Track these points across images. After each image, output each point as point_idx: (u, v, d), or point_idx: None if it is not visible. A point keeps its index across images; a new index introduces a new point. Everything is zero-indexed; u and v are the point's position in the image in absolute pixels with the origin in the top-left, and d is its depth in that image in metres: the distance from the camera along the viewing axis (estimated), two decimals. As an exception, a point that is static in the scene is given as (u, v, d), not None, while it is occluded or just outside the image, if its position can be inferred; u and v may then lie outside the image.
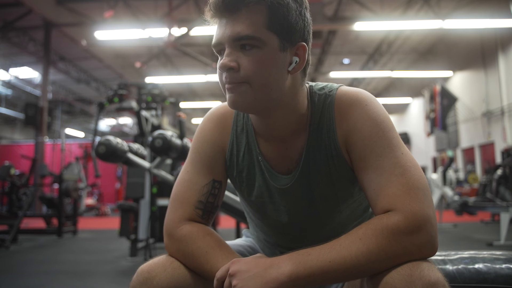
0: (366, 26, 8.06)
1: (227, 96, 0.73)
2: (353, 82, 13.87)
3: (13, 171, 5.85)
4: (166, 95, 4.46)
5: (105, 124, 17.78)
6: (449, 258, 0.93)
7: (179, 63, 11.94)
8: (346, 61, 12.66)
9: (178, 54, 10.49)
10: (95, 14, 8.38)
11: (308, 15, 0.75)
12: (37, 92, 12.01)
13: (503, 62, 9.68)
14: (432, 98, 11.37)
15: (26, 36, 9.88)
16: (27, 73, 12.35)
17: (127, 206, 3.85)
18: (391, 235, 0.63)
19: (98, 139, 2.92)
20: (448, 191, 6.10)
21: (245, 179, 0.86)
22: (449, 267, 0.89)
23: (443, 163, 9.77)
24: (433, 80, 11.58)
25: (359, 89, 0.80)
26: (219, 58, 0.73)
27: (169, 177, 3.05)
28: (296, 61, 0.74)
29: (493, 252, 0.94)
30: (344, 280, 0.69)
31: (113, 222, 6.99)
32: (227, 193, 2.13)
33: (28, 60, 11.25)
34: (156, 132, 2.82)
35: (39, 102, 9.25)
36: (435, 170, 12.78)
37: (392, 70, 12.38)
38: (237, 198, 1.92)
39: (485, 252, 0.94)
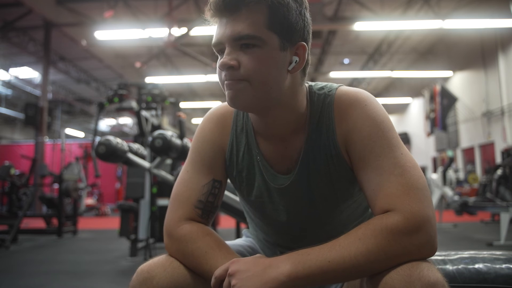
0: (366, 26, 8.06)
1: (226, 93, 0.73)
2: (353, 82, 13.87)
3: (13, 171, 5.85)
4: (166, 95, 4.46)
5: (105, 124, 17.79)
6: (449, 258, 0.93)
7: (179, 63, 11.94)
8: (346, 61, 12.66)
9: (178, 54, 10.49)
10: (95, 14, 8.38)
11: (308, 15, 0.76)
12: (37, 92, 12.01)
13: (503, 62, 9.68)
14: (432, 98, 11.37)
15: (26, 36, 9.88)
16: (27, 73, 12.35)
17: (127, 206, 3.85)
18: (391, 235, 0.63)
19: (98, 139, 2.92)
20: (448, 191, 6.10)
21: (244, 179, 0.86)
22: (449, 267, 0.89)
23: (443, 163, 9.77)
24: (433, 80, 11.58)
25: (359, 89, 0.80)
26: (219, 57, 0.73)
27: (169, 177, 3.05)
28: (296, 60, 0.74)
29: (493, 252, 0.94)
30: (344, 280, 0.69)
31: (113, 222, 6.99)
32: (227, 193, 2.13)
33: (28, 60, 11.25)
34: (156, 132, 2.82)
35: (39, 102, 9.25)
36: (435, 170, 12.77)
37: (392, 70, 12.38)
38: (237, 198, 1.93)
39: (485, 252, 0.94)
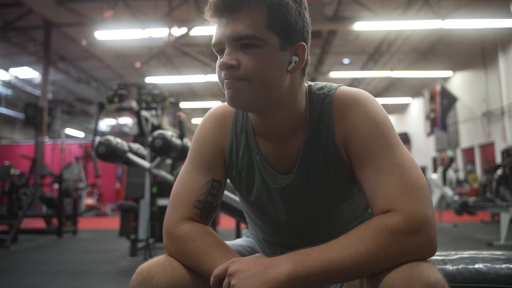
0: (366, 26, 8.06)
1: (226, 92, 0.73)
2: (353, 82, 13.87)
3: (13, 171, 5.85)
4: (166, 95, 4.46)
5: (105, 124, 17.79)
6: (449, 258, 0.93)
7: (179, 63, 11.94)
8: (346, 61, 12.66)
9: (178, 54, 10.49)
10: (95, 14, 8.39)
11: (307, 15, 0.76)
12: (37, 92, 12.01)
13: (503, 62, 9.68)
14: (432, 98, 11.37)
15: (26, 36, 9.88)
16: (27, 73, 12.35)
17: (127, 206, 3.85)
18: (391, 236, 0.63)
19: (98, 139, 2.92)
20: (448, 191, 6.10)
21: (244, 179, 0.86)
22: (449, 267, 0.89)
23: (443, 163, 9.77)
24: (433, 80, 11.59)
25: (358, 89, 0.80)
26: (219, 57, 0.73)
27: (169, 177, 3.05)
28: (296, 60, 0.74)
29: (493, 252, 0.94)
30: (344, 280, 0.69)
31: (113, 222, 6.99)
32: (227, 193, 2.13)
33: (28, 60, 11.25)
34: (156, 132, 2.82)
35: (39, 102, 9.25)
36: (435, 170, 12.77)
37: (392, 70, 12.38)
38: (237, 198, 1.92)
39: (485, 252, 0.94)
